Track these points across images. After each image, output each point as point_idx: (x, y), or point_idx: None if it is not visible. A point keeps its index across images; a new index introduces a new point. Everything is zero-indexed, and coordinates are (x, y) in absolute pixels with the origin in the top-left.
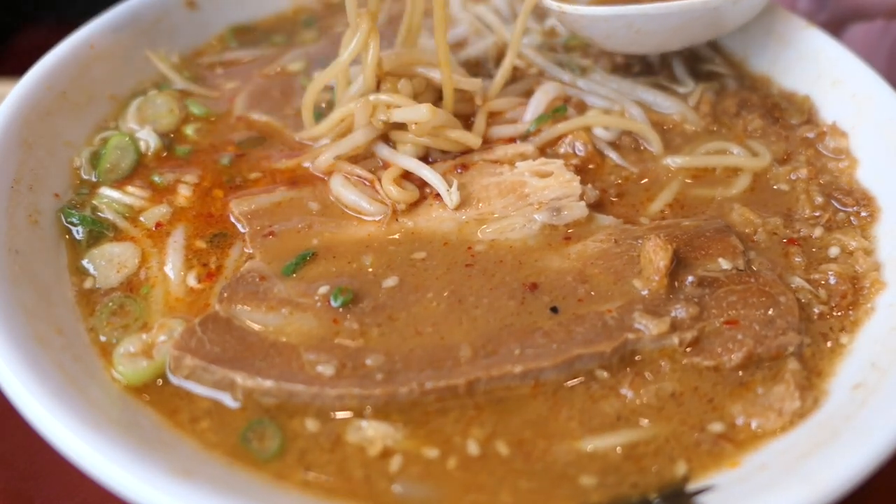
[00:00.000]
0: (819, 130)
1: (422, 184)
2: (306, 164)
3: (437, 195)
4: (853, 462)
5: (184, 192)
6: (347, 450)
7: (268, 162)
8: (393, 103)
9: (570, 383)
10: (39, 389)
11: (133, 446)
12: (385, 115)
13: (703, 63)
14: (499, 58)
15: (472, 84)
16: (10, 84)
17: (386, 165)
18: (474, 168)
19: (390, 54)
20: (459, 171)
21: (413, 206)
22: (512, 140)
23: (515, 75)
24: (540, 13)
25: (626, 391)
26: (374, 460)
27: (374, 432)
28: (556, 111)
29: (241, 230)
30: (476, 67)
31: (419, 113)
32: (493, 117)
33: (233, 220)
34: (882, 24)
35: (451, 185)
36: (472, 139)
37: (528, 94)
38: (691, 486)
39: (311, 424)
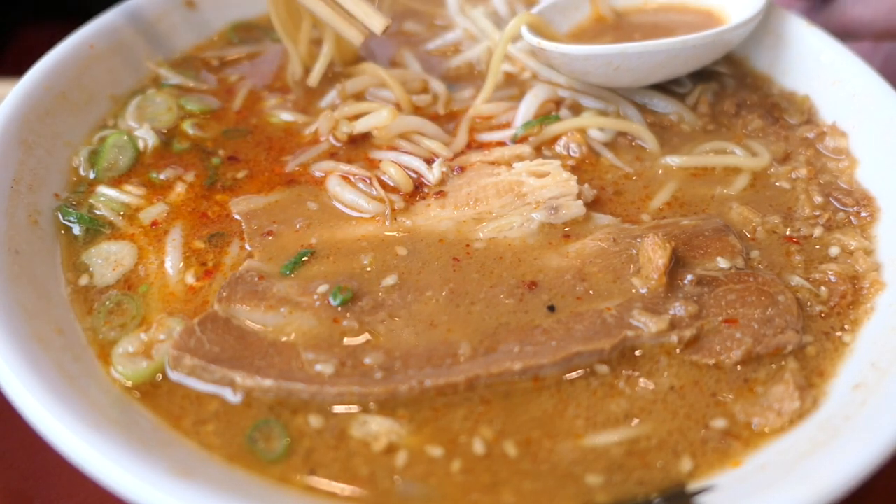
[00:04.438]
0: (819, 130)
1: (420, 184)
2: (289, 169)
3: (436, 195)
4: (853, 462)
5: (180, 190)
6: (352, 445)
7: (256, 162)
8: (356, 113)
9: (570, 376)
10: (39, 389)
11: (133, 446)
12: (349, 127)
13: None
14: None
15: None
16: (10, 84)
17: (374, 165)
18: (472, 169)
19: (353, 81)
20: (456, 171)
21: (411, 205)
22: (502, 143)
23: (508, 79)
24: None
25: (627, 386)
26: (379, 456)
27: (378, 427)
28: (546, 120)
29: (241, 228)
30: (471, 71)
31: (380, 117)
32: (485, 121)
33: (234, 217)
34: (871, 43)
35: (445, 185)
36: (442, 150)
37: (520, 97)
38: (692, 487)
39: (316, 420)
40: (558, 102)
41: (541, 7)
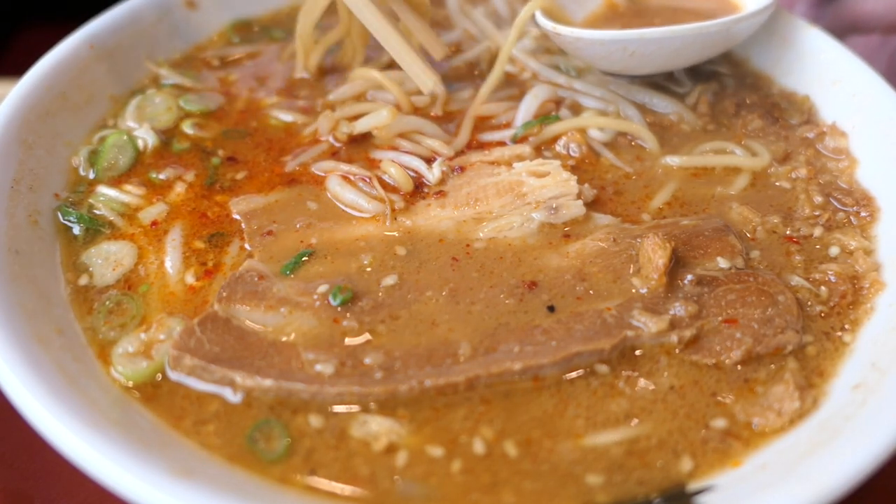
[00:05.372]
0: (819, 130)
1: (420, 184)
2: (289, 168)
3: (436, 195)
4: (853, 462)
5: (179, 190)
6: (352, 444)
7: (255, 162)
8: (356, 113)
9: (570, 376)
10: (39, 389)
11: (133, 446)
12: (349, 127)
13: (703, 62)
14: (492, 62)
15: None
16: (10, 84)
17: (375, 165)
18: (472, 169)
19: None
20: (457, 172)
21: (411, 205)
22: (502, 143)
23: (508, 79)
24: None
25: (627, 386)
26: (380, 456)
27: (378, 427)
28: (546, 120)
29: (241, 228)
30: (470, 71)
31: (380, 117)
32: (485, 121)
33: (234, 217)
34: (879, 39)
35: (445, 185)
36: (443, 149)
37: (520, 97)
38: (692, 487)
39: (316, 420)
40: (558, 102)
41: None
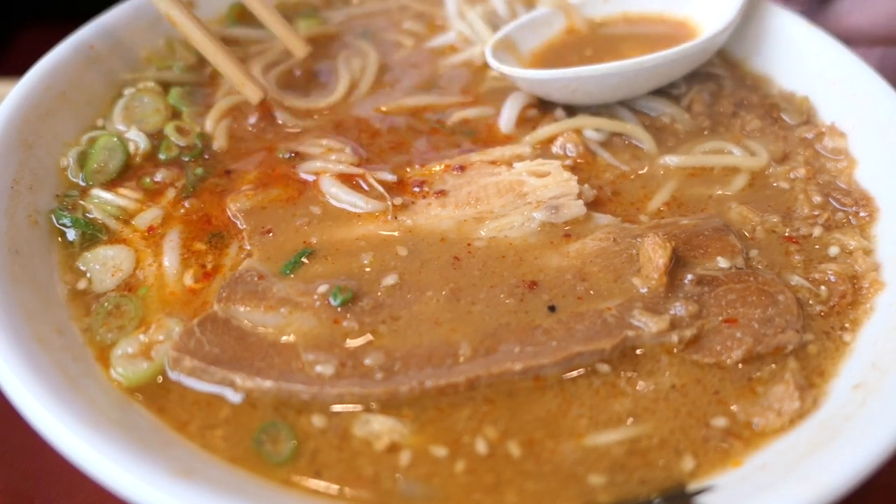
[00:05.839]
0: (818, 131)
1: (421, 182)
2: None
3: (437, 194)
4: (853, 462)
5: (174, 192)
6: (355, 444)
7: (251, 161)
8: None
9: (571, 375)
10: (39, 389)
11: (133, 446)
12: None
13: (700, 64)
14: (485, 66)
15: None
16: (10, 84)
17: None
18: (472, 168)
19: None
20: (457, 171)
21: (412, 204)
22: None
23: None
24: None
25: (629, 386)
26: (382, 455)
27: (380, 426)
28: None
29: (240, 227)
30: (461, 74)
31: None
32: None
33: (230, 216)
34: (864, 48)
35: (446, 184)
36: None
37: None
38: (692, 487)
39: (319, 420)
40: (539, 106)
41: (512, 26)
